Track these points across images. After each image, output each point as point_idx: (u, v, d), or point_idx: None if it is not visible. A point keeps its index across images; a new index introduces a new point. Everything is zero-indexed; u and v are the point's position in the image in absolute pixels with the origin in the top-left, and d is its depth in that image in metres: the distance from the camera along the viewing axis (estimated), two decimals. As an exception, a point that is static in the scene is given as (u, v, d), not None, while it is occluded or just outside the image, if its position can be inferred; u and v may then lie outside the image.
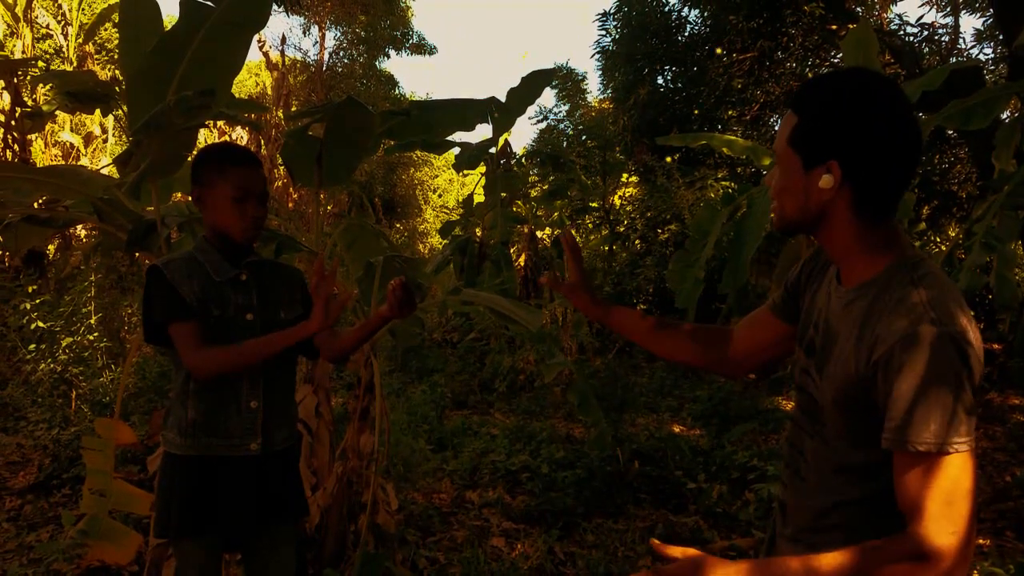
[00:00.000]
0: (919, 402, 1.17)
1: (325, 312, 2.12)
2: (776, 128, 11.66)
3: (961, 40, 12.27)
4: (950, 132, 9.43)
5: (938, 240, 10.60)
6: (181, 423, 2.19)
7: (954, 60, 10.88)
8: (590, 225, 13.80)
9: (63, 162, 13.86)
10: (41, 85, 10.24)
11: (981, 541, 4.07)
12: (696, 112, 12.05)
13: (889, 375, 1.20)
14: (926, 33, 11.14)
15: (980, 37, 11.74)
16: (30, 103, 10.02)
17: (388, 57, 22.34)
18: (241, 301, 2.23)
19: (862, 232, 1.33)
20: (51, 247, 10.05)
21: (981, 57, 11.74)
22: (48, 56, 16.43)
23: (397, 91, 22.40)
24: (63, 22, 14.64)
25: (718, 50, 11.64)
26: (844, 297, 1.36)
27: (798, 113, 1.35)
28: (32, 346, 6.24)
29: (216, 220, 2.19)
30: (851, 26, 9.63)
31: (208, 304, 2.16)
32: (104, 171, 6.78)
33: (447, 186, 29.94)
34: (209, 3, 2.93)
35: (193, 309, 2.13)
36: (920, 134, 1.30)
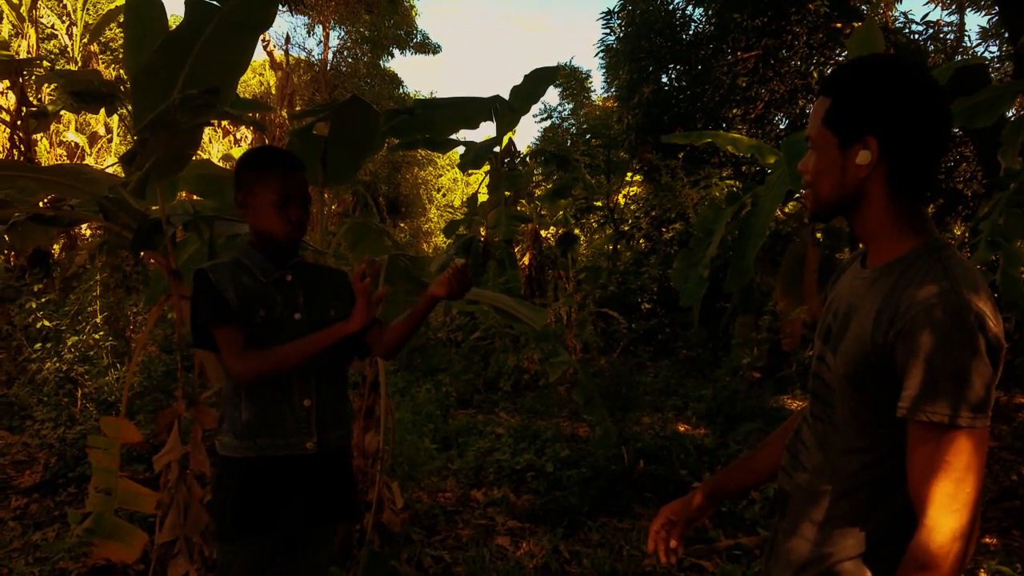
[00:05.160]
0: (936, 374, 1.19)
1: (366, 309, 2.13)
2: (781, 127, 11.66)
3: (966, 38, 12.31)
4: (955, 130, 9.40)
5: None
6: (235, 425, 2.18)
7: (959, 58, 10.84)
8: (594, 224, 13.79)
9: (68, 162, 13.89)
10: (46, 85, 10.29)
11: (987, 540, 4.05)
12: (700, 111, 12.01)
13: (908, 346, 1.22)
14: (931, 31, 11.11)
15: (985, 35, 11.74)
16: (35, 103, 10.05)
17: (392, 56, 22.37)
18: (289, 301, 2.24)
19: (895, 212, 1.35)
20: (56, 246, 10.07)
21: (986, 55, 11.74)
22: (53, 56, 16.46)
23: (401, 90, 22.41)
24: (68, 22, 14.69)
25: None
26: (868, 277, 1.37)
27: (831, 95, 1.38)
28: (38, 345, 6.25)
29: (260, 224, 2.21)
30: (856, 24, 9.64)
31: (255, 305, 2.17)
32: (109, 170, 6.79)
33: (451, 185, 29.98)
34: (215, 3, 2.93)
35: (237, 313, 2.14)
36: (950, 112, 1.33)
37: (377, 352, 2.37)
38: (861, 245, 1.47)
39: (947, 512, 1.18)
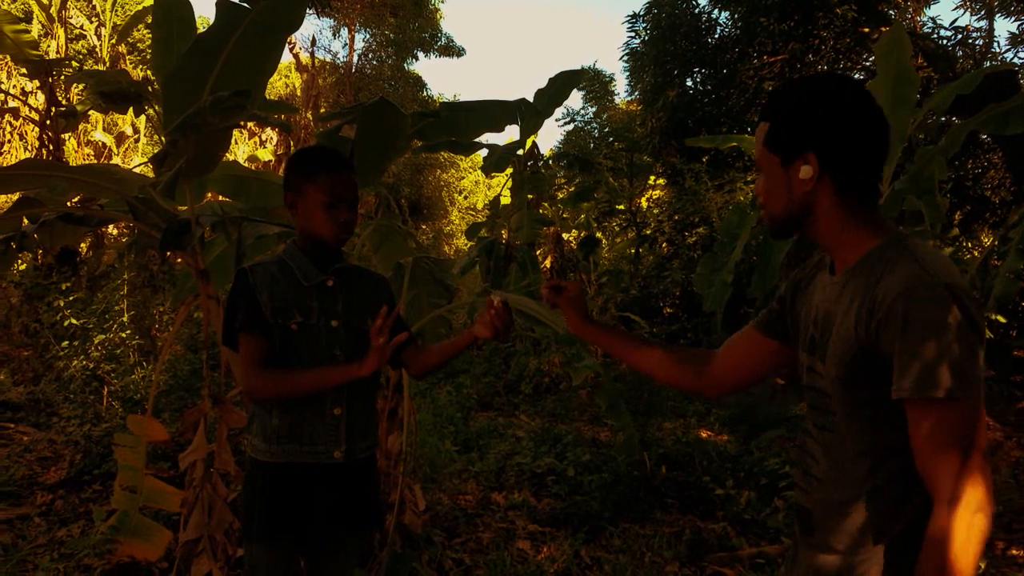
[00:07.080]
0: (924, 352, 1.21)
1: (379, 357, 2.10)
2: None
3: (995, 44, 12.11)
4: (983, 136, 9.28)
5: (970, 246, 10.42)
6: (265, 429, 2.18)
7: (988, 64, 10.71)
8: (617, 228, 13.75)
9: (96, 161, 14.05)
10: (75, 85, 10.40)
11: (1014, 552, 4.00)
12: (725, 115, 11.95)
13: (891, 331, 1.25)
14: (960, 36, 10.97)
15: (1015, 41, 11.55)
16: (64, 103, 10.16)
17: (416, 59, 22.39)
18: (327, 307, 2.22)
19: (848, 218, 1.41)
20: (84, 245, 10.18)
21: (1016, 61, 11.57)
22: (81, 56, 16.65)
23: (425, 92, 22.42)
24: (96, 22, 14.85)
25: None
26: (839, 282, 1.42)
27: (769, 119, 1.45)
28: (65, 343, 6.32)
29: (308, 225, 2.19)
30: (883, 29, 9.56)
31: (292, 310, 2.16)
32: (137, 170, 6.88)
33: (473, 188, 30.01)
34: (245, 4, 2.96)
35: (267, 322, 2.13)
36: (884, 117, 1.39)
37: (412, 370, 2.36)
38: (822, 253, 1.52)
39: (960, 484, 1.18)
